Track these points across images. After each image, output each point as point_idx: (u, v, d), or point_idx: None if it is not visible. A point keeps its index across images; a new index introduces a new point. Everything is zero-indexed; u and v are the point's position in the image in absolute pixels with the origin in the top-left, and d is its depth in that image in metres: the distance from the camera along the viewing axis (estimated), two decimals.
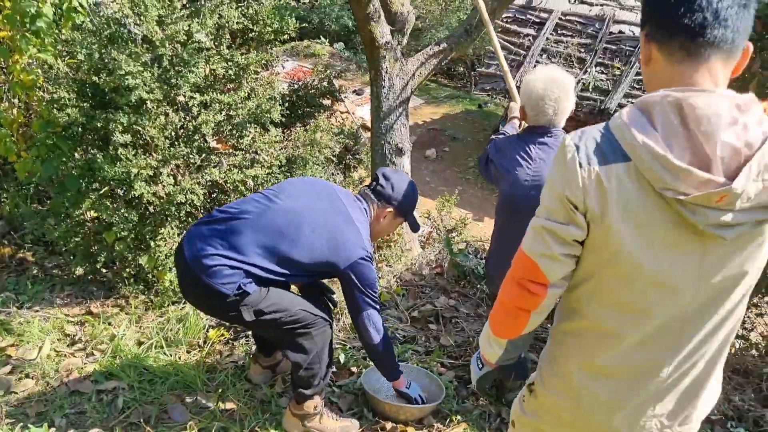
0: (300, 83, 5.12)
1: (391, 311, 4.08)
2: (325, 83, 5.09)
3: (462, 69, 16.28)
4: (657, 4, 1.32)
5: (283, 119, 4.34)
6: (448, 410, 3.15)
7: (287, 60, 13.71)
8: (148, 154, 3.52)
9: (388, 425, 2.99)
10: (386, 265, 4.51)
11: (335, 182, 4.75)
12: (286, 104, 4.75)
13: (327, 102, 5.16)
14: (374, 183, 2.85)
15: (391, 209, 2.82)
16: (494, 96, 14.44)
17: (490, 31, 3.92)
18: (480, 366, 1.95)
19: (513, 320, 1.52)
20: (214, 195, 3.95)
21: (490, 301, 4.09)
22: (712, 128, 1.22)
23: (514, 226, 2.78)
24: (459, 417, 3.10)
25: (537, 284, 1.43)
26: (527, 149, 2.72)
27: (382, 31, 4.62)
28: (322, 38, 16.26)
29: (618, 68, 10.37)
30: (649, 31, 1.33)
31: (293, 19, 4.37)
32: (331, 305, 3.08)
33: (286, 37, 4.47)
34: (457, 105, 14.49)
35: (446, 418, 3.10)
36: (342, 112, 8.92)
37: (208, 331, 3.60)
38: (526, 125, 2.82)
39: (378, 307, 2.74)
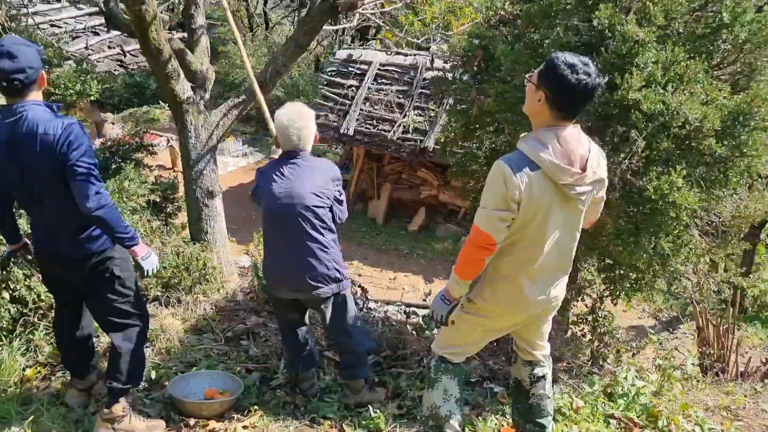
0: (112, 141, 5.51)
1: (208, 335, 4.51)
2: (137, 140, 5.51)
3: None
4: (556, 94, 2.52)
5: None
6: (248, 404, 3.62)
7: (123, 126, 13.73)
8: None
9: (192, 421, 3.41)
10: (203, 295, 4.94)
11: (151, 228, 5.15)
12: (99, 159, 5.12)
13: (140, 155, 5.58)
14: None
15: None
16: (332, 146, 15.30)
17: (257, 95, 4.57)
18: (447, 303, 2.81)
19: (475, 267, 2.70)
20: None
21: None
22: (573, 146, 2.54)
23: (276, 234, 3.38)
24: (257, 408, 3.57)
25: (493, 244, 2.60)
26: (281, 170, 3.32)
27: (183, 87, 5.14)
28: (161, 103, 16.44)
29: (433, 110, 11.45)
30: (545, 97, 2.54)
31: (96, 82, 4.80)
32: None
33: (93, 97, 4.88)
34: None
35: (246, 410, 3.56)
36: (167, 168, 9.27)
37: (25, 370, 3.85)
38: (282, 151, 3.43)
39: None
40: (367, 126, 11.52)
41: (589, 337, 4.50)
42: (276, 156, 3.68)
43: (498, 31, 4.35)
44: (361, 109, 11.67)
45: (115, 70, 9.46)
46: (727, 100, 3.50)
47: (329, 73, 12.66)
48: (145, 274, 3.11)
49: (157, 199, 5.66)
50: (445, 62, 4.62)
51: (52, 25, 9.76)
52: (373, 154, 12.31)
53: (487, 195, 2.62)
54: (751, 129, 3.53)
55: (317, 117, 11.90)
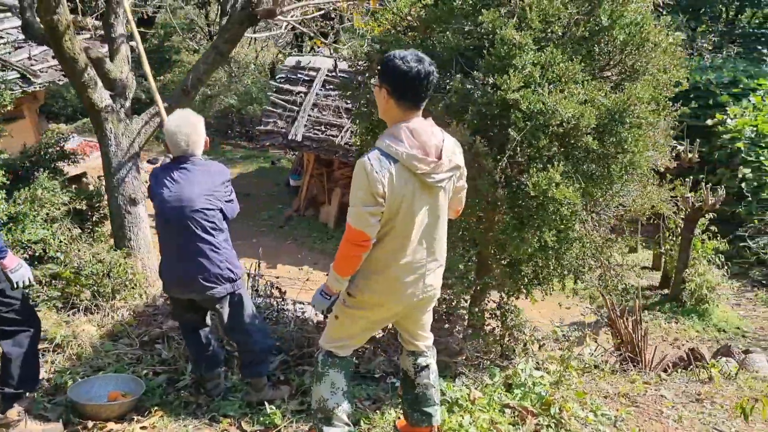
0: (31, 148, 5.53)
1: (124, 339, 4.56)
2: (57, 148, 5.54)
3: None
4: (395, 85, 2.65)
5: (8, 182, 4.76)
6: (150, 405, 3.68)
7: (74, 136, 13.68)
8: None
9: (90, 424, 3.46)
10: (123, 301, 4.99)
11: (71, 236, 5.18)
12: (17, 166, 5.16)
13: (62, 164, 5.61)
14: None
15: None
16: (288, 152, 15.37)
17: (159, 104, 4.67)
18: (327, 297, 2.96)
19: (351, 263, 2.82)
20: None
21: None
22: (426, 137, 2.68)
23: (168, 236, 3.46)
24: (158, 408, 3.63)
25: (368, 240, 2.73)
26: (172, 174, 3.41)
27: (101, 96, 5.20)
28: None
29: None
30: (387, 92, 2.68)
31: (10, 91, 4.83)
32: None
33: (7, 108, 4.91)
34: (251, 164, 15.22)
35: (146, 411, 3.63)
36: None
37: None
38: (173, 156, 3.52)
39: None
40: (316, 132, 11.61)
41: (499, 332, 4.63)
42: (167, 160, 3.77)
43: (405, 36, 4.49)
44: (309, 115, 11.76)
45: (59, 80, 9.42)
46: (606, 99, 3.66)
47: (279, 80, 12.74)
48: (14, 285, 3.17)
49: (83, 208, 5.70)
50: (350, 66, 4.74)
51: None
52: (323, 160, 12.39)
53: (354, 193, 2.73)
54: (630, 126, 3.71)
55: (266, 124, 12.09)
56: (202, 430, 3.49)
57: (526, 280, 4.19)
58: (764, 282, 11.10)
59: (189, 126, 3.40)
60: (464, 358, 4.23)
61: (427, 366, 3.27)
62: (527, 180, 3.49)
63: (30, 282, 3.24)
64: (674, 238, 10.16)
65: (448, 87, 3.81)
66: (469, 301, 4.67)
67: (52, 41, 4.82)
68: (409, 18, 4.58)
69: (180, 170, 3.40)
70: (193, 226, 3.36)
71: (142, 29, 7.37)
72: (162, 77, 15.58)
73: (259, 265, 5.16)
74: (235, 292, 3.56)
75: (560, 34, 3.76)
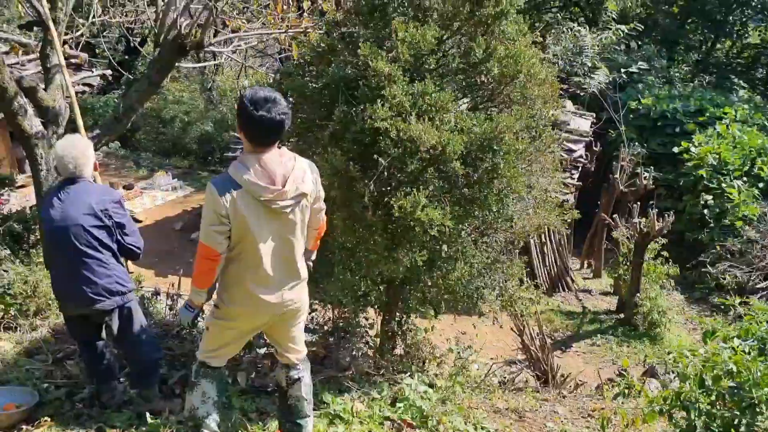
0: None
1: (40, 356, 4.75)
2: None
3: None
4: (244, 127, 2.91)
5: None
6: (41, 416, 3.86)
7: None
8: None
9: None
10: (43, 320, 5.19)
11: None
12: None
13: None
14: None
15: None
16: None
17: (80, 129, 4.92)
18: (191, 311, 3.23)
19: (208, 276, 3.07)
20: None
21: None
22: (273, 167, 2.90)
23: (56, 253, 3.67)
24: (48, 419, 3.82)
25: (216, 255, 2.98)
26: (59, 195, 3.63)
27: (31, 123, 5.43)
28: None
29: None
30: (239, 128, 2.95)
31: None
32: None
33: None
34: None
35: (36, 421, 3.81)
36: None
37: None
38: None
39: None
40: None
41: (399, 350, 4.82)
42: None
43: (310, 67, 4.74)
44: None
45: None
46: (478, 128, 3.90)
47: None
48: None
49: (20, 230, 5.94)
50: None
51: None
52: None
53: (204, 213, 2.98)
54: (503, 153, 3.94)
55: (234, 150, 12.32)
56: None
57: (415, 300, 4.38)
58: (722, 307, 11.25)
59: (76, 150, 3.64)
60: (352, 372, 4.40)
61: (299, 379, 3.46)
62: (395, 202, 3.70)
63: None
64: (627, 263, 10.34)
65: (333, 116, 4.05)
66: (376, 320, 4.88)
67: None
68: (320, 49, 4.84)
69: (65, 191, 3.63)
70: (78, 243, 3.56)
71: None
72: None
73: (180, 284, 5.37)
74: (124, 305, 3.76)
75: (433, 66, 4.00)
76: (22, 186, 10.37)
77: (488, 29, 4.11)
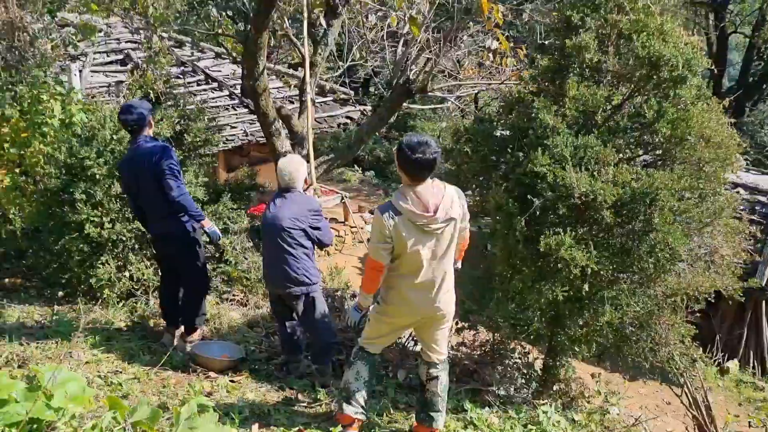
0: (232, 177, 7.31)
1: (257, 329, 5.92)
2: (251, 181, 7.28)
3: None
4: (402, 165, 3.56)
5: (208, 198, 6.51)
6: (244, 369, 4.92)
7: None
8: (97, 208, 5.69)
9: (199, 369, 4.80)
10: (264, 301, 6.39)
11: (244, 247, 6.78)
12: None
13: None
14: None
15: None
16: None
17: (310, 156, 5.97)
18: (359, 312, 4.00)
19: (374, 283, 3.79)
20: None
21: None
22: (426, 196, 3.54)
23: (266, 245, 4.72)
24: (247, 372, 4.86)
25: (381, 267, 3.67)
26: (275, 200, 4.67)
27: (282, 144, 6.77)
28: (356, 166, 18.66)
29: None
30: (398, 166, 3.61)
31: (220, 134, 6.60)
32: None
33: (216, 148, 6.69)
34: None
35: (240, 371, 4.88)
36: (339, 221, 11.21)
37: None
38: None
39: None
40: None
41: (551, 384, 5.13)
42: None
43: (499, 115, 5.35)
44: None
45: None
46: (636, 183, 4.19)
47: None
48: (210, 239, 5.02)
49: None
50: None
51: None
52: None
53: (372, 234, 3.75)
54: (658, 209, 4.17)
55: None
56: (269, 392, 4.64)
57: (565, 337, 4.69)
58: None
59: (291, 166, 4.66)
60: (496, 389, 4.83)
61: (437, 377, 4.05)
62: (542, 240, 4.14)
63: (219, 237, 5.05)
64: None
65: (504, 159, 4.62)
66: (531, 350, 5.26)
67: (252, 99, 6.51)
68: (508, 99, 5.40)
69: (280, 198, 4.66)
70: (280, 240, 4.56)
71: None
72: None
73: None
74: (309, 294, 4.68)
75: (601, 122, 4.37)
76: None
77: (663, 92, 4.36)
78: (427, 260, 3.66)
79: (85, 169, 5.62)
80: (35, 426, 2.70)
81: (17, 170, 6.09)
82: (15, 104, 5.86)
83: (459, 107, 7.64)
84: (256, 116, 6.94)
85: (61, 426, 2.82)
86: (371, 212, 16.56)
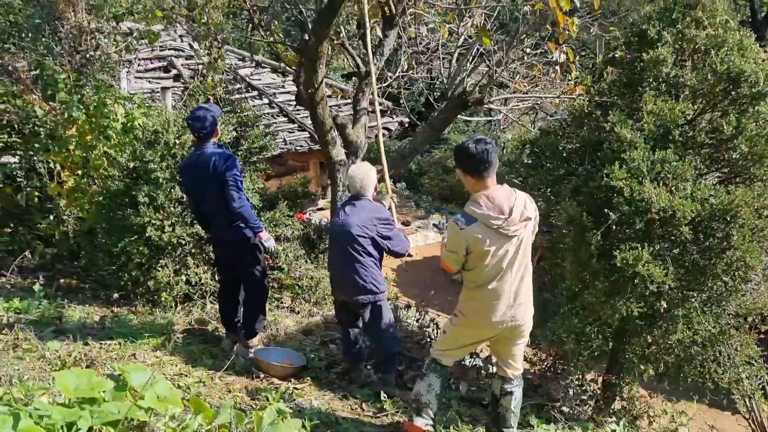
0: (285, 186, 7.35)
1: (312, 336, 5.92)
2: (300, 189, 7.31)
3: None
4: (460, 161, 3.63)
5: (263, 204, 6.54)
6: (306, 376, 4.91)
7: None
8: (159, 212, 5.74)
9: (262, 375, 4.80)
10: (317, 309, 6.39)
11: (296, 255, 6.80)
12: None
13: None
14: None
15: None
16: None
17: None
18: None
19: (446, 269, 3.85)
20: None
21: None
22: (499, 200, 3.53)
23: (334, 252, 4.72)
24: (310, 379, 4.85)
25: (451, 271, 3.83)
26: (345, 207, 4.68)
27: (338, 152, 6.78)
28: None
29: None
30: (461, 170, 3.65)
31: (275, 140, 6.64)
32: None
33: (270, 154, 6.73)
34: None
35: (302, 379, 4.87)
36: None
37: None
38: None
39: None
40: None
41: (616, 402, 5.06)
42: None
43: (567, 129, 5.33)
44: None
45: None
46: (714, 199, 4.14)
47: None
48: (267, 250, 5.04)
49: (314, 237, 7.36)
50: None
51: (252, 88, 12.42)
52: None
53: (446, 240, 3.74)
54: (738, 226, 4.12)
55: None
56: (333, 400, 4.62)
57: (634, 354, 4.63)
58: None
59: (361, 172, 4.67)
60: (561, 405, 4.78)
61: (511, 392, 3.99)
62: (618, 254, 4.10)
63: (275, 249, 5.15)
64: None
65: (576, 172, 4.58)
66: (595, 366, 5.20)
67: (309, 107, 6.53)
68: (577, 113, 5.38)
69: (350, 205, 4.66)
70: (348, 246, 4.56)
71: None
72: None
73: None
74: (376, 303, 4.66)
75: (678, 137, 4.33)
76: (321, 209, 12.36)
77: (741, 108, 4.32)
78: (505, 267, 3.62)
79: (149, 172, 5.68)
80: (125, 425, 2.70)
81: (79, 172, 6.16)
82: (81, 107, 5.94)
83: (516, 120, 7.63)
84: (295, 125, 6.94)
85: (160, 426, 2.83)
86: (404, 223, 16.55)
